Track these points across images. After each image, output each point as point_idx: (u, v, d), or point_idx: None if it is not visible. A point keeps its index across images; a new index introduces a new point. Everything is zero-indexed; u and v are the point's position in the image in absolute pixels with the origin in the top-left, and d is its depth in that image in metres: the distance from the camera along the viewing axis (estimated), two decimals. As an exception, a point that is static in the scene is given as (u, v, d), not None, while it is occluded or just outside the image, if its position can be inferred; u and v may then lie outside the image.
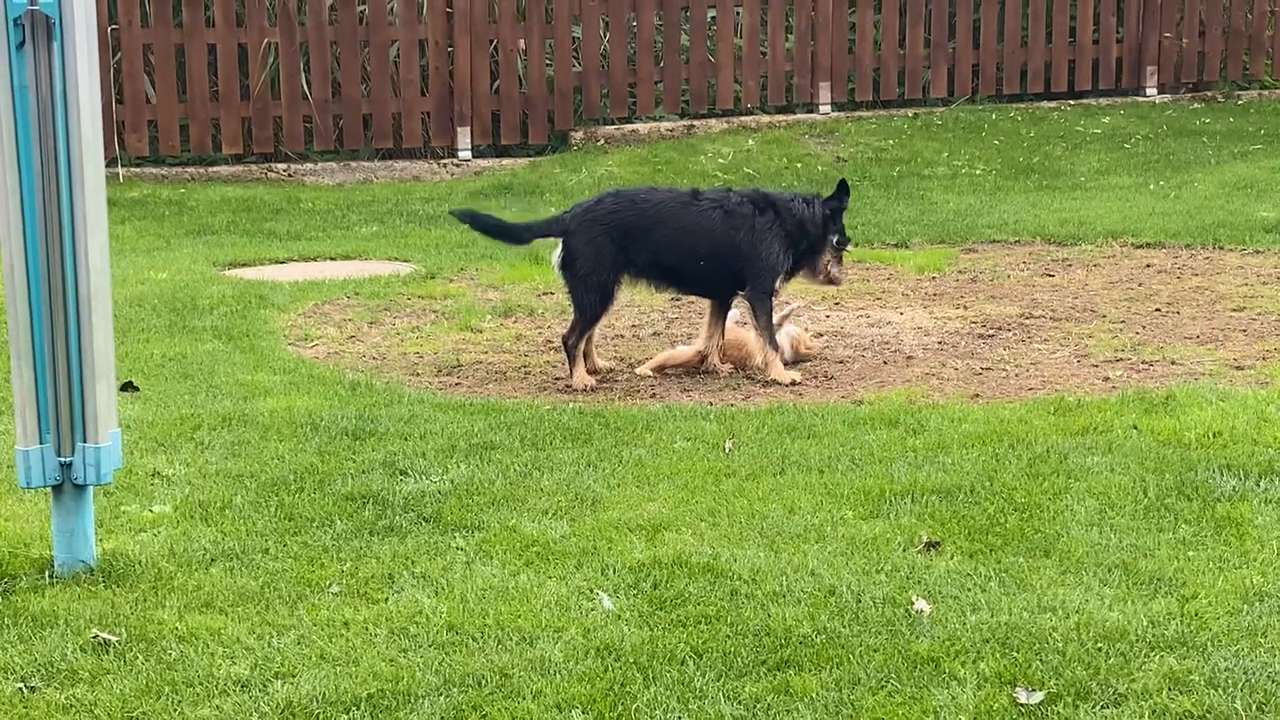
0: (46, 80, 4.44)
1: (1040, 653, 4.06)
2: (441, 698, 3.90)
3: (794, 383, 7.00)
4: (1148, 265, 9.60)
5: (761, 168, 13.44)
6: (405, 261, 10.16)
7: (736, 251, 7.11)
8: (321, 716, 3.84)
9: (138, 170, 13.27)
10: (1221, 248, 10.01)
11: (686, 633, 4.23)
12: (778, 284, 7.20)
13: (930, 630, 4.20)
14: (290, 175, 13.52)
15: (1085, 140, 14.23)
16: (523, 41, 13.94)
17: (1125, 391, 6.53)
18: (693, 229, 7.15)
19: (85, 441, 4.61)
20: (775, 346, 7.12)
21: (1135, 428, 5.91)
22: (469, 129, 13.83)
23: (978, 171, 13.27)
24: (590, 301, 7.11)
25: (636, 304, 8.61)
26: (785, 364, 7.16)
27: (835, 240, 7.33)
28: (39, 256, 4.51)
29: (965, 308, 8.57)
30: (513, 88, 13.93)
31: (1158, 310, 8.38)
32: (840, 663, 4.03)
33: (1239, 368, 7.07)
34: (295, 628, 4.31)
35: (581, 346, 7.13)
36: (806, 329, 7.77)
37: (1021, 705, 3.81)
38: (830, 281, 7.50)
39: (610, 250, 7.08)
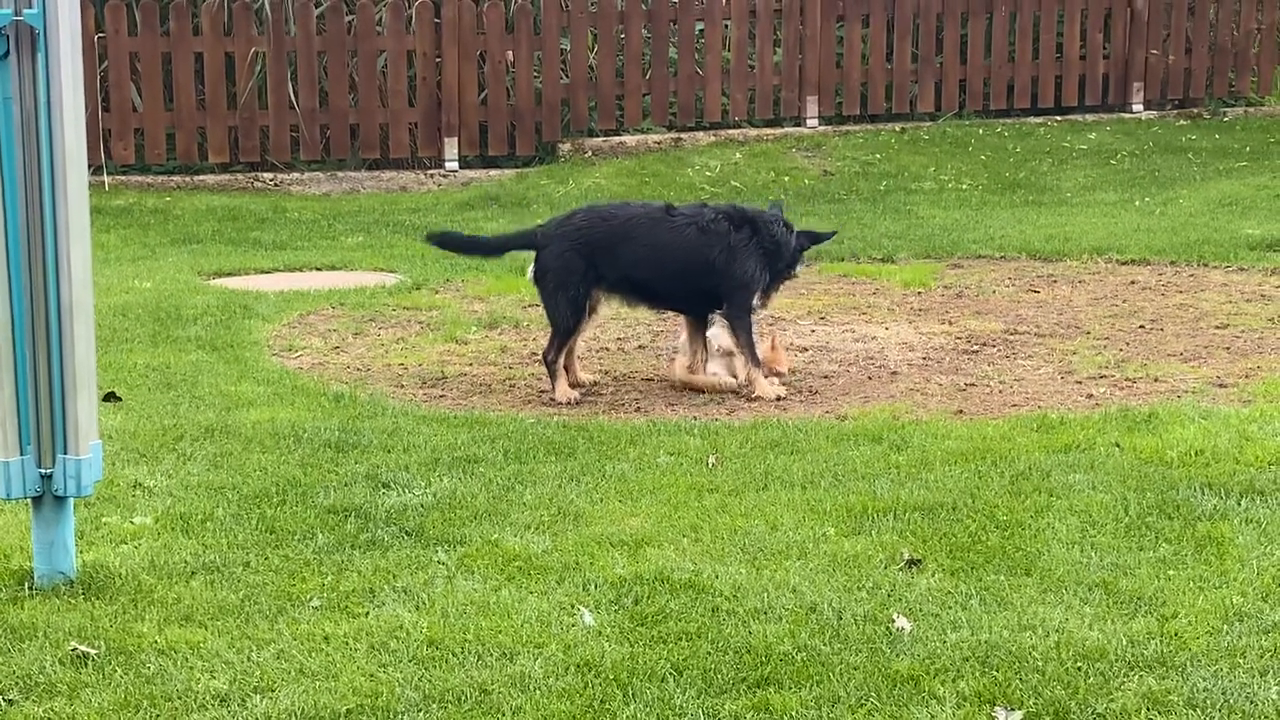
0: (30, 91, 4.44)
1: (1020, 672, 4.06)
2: (421, 713, 3.89)
3: (779, 398, 7.00)
4: (1132, 282, 9.62)
5: (749, 181, 13.46)
6: (391, 272, 10.16)
7: (711, 269, 7.10)
8: (300, 732, 3.83)
9: (123, 178, 13.25)
10: (1206, 265, 10.04)
11: (667, 649, 4.22)
12: (755, 300, 7.19)
13: (910, 648, 4.20)
14: (276, 185, 13.51)
15: (1071, 156, 14.26)
16: (510, 53, 13.95)
17: (1108, 409, 6.55)
18: (665, 245, 7.14)
19: (66, 453, 4.60)
20: (758, 363, 7.12)
21: (1118, 445, 5.92)
22: (456, 140, 13.83)
23: (964, 186, 13.30)
24: (562, 316, 7.12)
25: (622, 317, 8.60)
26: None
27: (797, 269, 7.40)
28: (20, 266, 4.50)
29: (950, 323, 8.59)
30: (500, 99, 13.93)
31: (1142, 327, 8.40)
32: (820, 681, 4.03)
33: (1222, 385, 7.09)
34: (275, 642, 4.30)
35: (561, 361, 7.13)
36: (790, 344, 7.75)
37: (1001, 724, 3.82)
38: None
39: (580, 265, 7.08)
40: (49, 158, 4.47)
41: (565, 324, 7.12)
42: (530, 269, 7.29)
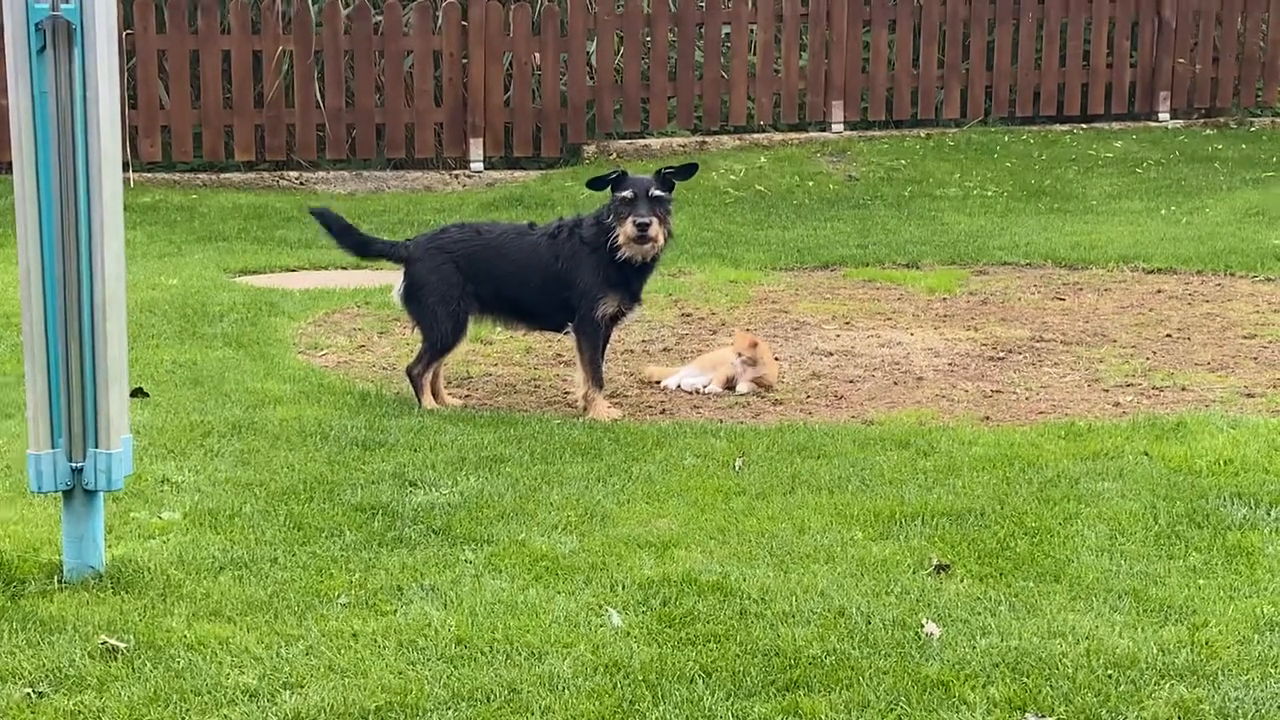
0: (66, 86, 4.45)
1: (1050, 678, 4.04)
2: (450, 711, 3.89)
3: (614, 420, 6.65)
4: (1159, 290, 9.59)
5: (773, 185, 13.45)
6: (416, 272, 10.14)
7: (559, 281, 6.86)
8: (329, 728, 3.83)
9: (150, 175, 13.29)
10: (1232, 274, 10.01)
11: (695, 651, 4.22)
12: (601, 311, 6.84)
13: (940, 653, 4.19)
14: (302, 183, 13.54)
15: (1097, 164, 14.23)
16: (537, 55, 13.96)
17: (1136, 417, 6.53)
18: (526, 262, 6.93)
19: (97, 447, 4.61)
20: (599, 384, 6.84)
21: (1146, 454, 5.90)
22: (481, 140, 13.85)
23: (989, 193, 13.28)
24: (442, 332, 6.88)
25: (646, 319, 8.59)
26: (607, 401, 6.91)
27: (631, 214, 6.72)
28: (55, 262, 4.51)
29: (976, 330, 8.57)
30: (526, 100, 13.94)
31: (1168, 336, 8.37)
32: (850, 684, 4.02)
33: (1249, 395, 7.06)
34: (304, 638, 4.30)
35: (428, 378, 6.89)
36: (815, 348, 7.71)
37: (1031, 731, 3.81)
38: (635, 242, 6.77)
39: (458, 279, 6.89)
40: (84, 153, 4.49)
41: (444, 340, 6.88)
42: (398, 288, 7.02)
